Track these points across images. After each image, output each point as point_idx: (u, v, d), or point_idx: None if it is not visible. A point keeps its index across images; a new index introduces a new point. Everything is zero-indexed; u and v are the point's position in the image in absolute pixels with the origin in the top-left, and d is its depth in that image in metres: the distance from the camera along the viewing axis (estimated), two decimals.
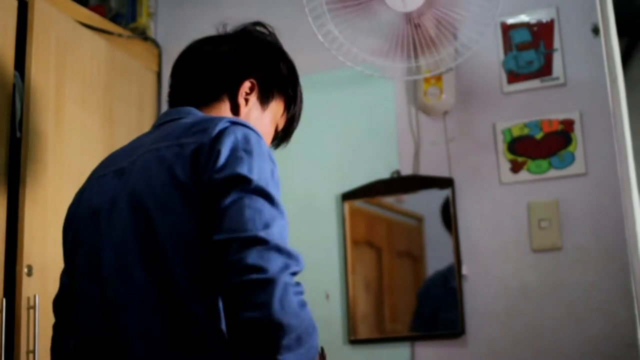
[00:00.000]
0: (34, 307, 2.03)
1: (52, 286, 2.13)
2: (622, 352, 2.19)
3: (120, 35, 2.71)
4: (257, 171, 1.18)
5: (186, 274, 1.17)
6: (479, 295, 2.37)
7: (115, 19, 2.85)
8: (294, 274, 1.12)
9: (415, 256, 2.50)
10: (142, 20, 2.87)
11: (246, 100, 1.43)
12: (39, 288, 2.08)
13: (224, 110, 1.42)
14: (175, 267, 1.17)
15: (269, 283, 1.08)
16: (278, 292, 1.07)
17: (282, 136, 1.56)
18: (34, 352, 2.01)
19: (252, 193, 1.16)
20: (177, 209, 1.19)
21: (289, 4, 2.60)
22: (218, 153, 1.18)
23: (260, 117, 1.46)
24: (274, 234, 1.13)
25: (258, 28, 1.52)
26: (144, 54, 2.82)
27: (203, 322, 1.16)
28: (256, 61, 1.45)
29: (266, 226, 1.13)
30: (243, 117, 1.42)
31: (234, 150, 1.19)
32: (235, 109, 1.43)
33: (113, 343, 1.18)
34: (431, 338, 2.40)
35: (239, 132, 1.22)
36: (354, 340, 2.46)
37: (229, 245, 1.11)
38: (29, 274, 2.05)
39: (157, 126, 1.39)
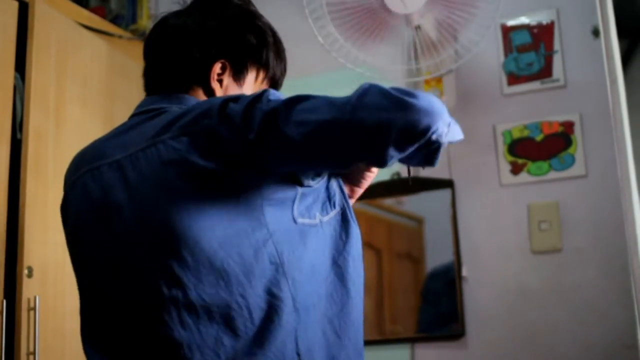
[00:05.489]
0: (34, 309, 2.03)
1: (52, 287, 2.14)
2: (622, 354, 2.19)
3: (120, 36, 2.71)
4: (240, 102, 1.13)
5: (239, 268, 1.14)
6: (479, 297, 2.37)
7: (115, 20, 2.85)
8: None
9: (415, 258, 2.50)
10: (142, 21, 2.87)
11: (220, 82, 1.35)
12: (40, 289, 2.08)
13: (198, 96, 1.34)
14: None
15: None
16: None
17: None
18: (34, 353, 2.01)
19: (267, 118, 1.10)
20: (194, 208, 1.14)
21: (289, 6, 2.60)
22: (225, 117, 1.13)
23: (239, 93, 1.37)
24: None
25: None
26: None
27: None
28: (222, 40, 1.35)
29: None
30: None
31: (226, 109, 1.14)
32: (210, 94, 1.35)
33: None
34: (431, 340, 2.40)
35: (217, 99, 1.18)
36: None
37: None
38: (30, 275, 2.05)
39: (136, 115, 1.33)
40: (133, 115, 1.34)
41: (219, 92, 1.35)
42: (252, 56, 1.38)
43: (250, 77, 1.39)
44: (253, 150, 1.12)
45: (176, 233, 1.13)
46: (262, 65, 1.40)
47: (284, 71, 1.46)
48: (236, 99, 1.15)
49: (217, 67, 1.35)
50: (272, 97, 1.13)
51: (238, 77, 1.37)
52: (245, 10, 1.41)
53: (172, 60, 1.36)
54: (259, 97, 1.13)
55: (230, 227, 1.14)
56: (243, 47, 1.37)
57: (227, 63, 1.36)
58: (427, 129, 1.04)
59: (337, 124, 1.07)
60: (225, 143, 1.13)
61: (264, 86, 1.43)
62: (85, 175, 1.29)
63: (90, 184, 1.26)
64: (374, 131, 1.05)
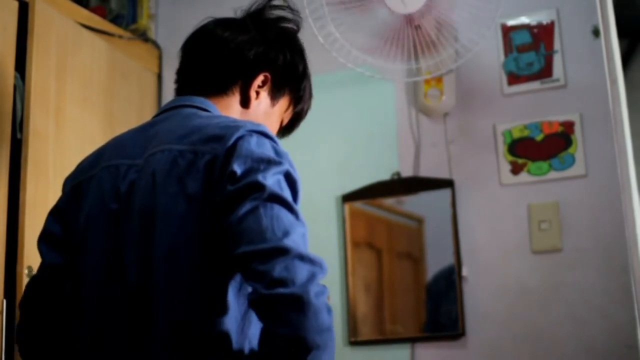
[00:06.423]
0: None
1: None
2: (622, 354, 2.19)
3: (120, 36, 2.71)
4: (271, 178, 1.15)
5: (169, 287, 1.16)
6: (479, 297, 2.37)
7: (115, 20, 2.85)
8: (319, 281, 1.11)
9: (415, 257, 2.50)
10: (143, 21, 2.87)
11: (257, 94, 1.40)
12: None
13: (233, 102, 1.39)
14: (159, 278, 1.17)
15: (299, 299, 1.06)
16: (310, 310, 1.06)
17: (284, 130, 1.53)
18: None
19: (267, 200, 1.13)
20: (172, 221, 1.17)
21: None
22: (232, 167, 1.16)
23: (269, 112, 1.43)
24: (295, 242, 1.11)
25: (277, 12, 1.47)
26: (144, 56, 2.82)
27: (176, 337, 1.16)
28: (274, 56, 1.41)
29: (286, 234, 1.11)
30: (252, 110, 1.40)
31: (247, 162, 1.16)
32: (245, 102, 1.40)
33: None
34: (431, 339, 2.40)
35: (254, 141, 1.19)
36: (354, 341, 2.46)
37: (251, 258, 1.09)
38: (29, 275, 2.05)
39: (165, 110, 1.36)
40: (160, 112, 1.37)
41: (253, 102, 1.40)
42: (292, 83, 1.45)
43: (283, 103, 1.45)
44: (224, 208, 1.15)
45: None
46: (296, 95, 1.47)
47: (306, 113, 1.53)
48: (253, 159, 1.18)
49: (260, 78, 1.40)
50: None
51: (274, 96, 1.43)
52: (299, 41, 1.50)
53: (222, 57, 1.39)
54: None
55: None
56: (289, 70, 1.43)
57: (269, 78, 1.41)
58: None
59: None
60: (215, 181, 1.17)
61: (287, 119, 1.49)
62: (99, 169, 1.31)
63: (106, 181, 1.28)
64: None
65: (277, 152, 1.21)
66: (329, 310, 1.10)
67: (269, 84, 1.41)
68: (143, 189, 1.22)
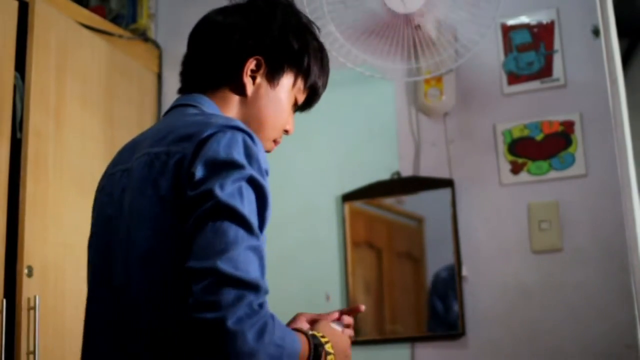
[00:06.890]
0: (34, 308, 2.03)
1: (52, 287, 2.14)
2: (622, 353, 2.19)
3: (120, 36, 2.71)
4: (230, 187, 1.10)
5: (146, 287, 1.15)
6: (479, 297, 2.37)
7: (115, 20, 2.85)
8: (251, 303, 1.04)
9: (415, 257, 2.50)
10: (143, 21, 2.87)
11: (253, 79, 1.35)
12: (39, 289, 2.08)
13: (229, 93, 1.35)
14: (137, 279, 1.16)
15: (219, 325, 1.02)
16: (228, 335, 1.02)
17: (302, 106, 1.46)
18: (34, 353, 2.01)
19: (217, 213, 1.08)
20: (147, 224, 1.16)
21: None
22: (194, 168, 1.12)
23: (271, 95, 1.37)
24: (231, 261, 1.05)
25: None
26: (144, 55, 2.82)
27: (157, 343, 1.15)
28: (259, 38, 1.35)
29: (223, 252, 1.05)
30: (251, 97, 1.35)
31: (209, 166, 1.12)
32: (241, 90, 1.34)
33: None
34: (431, 339, 2.40)
35: (224, 139, 1.15)
36: (354, 341, 2.45)
37: (191, 275, 1.06)
38: (29, 274, 2.06)
39: (166, 112, 1.36)
40: (163, 115, 1.38)
41: (250, 88, 1.34)
42: (290, 59, 1.37)
43: (286, 81, 1.38)
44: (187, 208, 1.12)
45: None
46: (301, 71, 1.39)
47: (325, 84, 1.45)
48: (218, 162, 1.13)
49: (251, 63, 1.34)
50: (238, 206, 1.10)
51: (272, 78, 1.36)
52: (297, 16, 1.41)
53: (208, 52, 1.36)
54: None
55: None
56: (282, 48, 1.36)
57: (262, 61, 1.35)
58: None
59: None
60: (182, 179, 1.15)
61: (302, 96, 1.42)
62: (106, 179, 1.33)
63: (107, 189, 1.30)
64: None
65: (247, 152, 1.15)
66: (260, 333, 1.04)
67: (264, 67, 1.35)
68: (129, 192, 1.23)
